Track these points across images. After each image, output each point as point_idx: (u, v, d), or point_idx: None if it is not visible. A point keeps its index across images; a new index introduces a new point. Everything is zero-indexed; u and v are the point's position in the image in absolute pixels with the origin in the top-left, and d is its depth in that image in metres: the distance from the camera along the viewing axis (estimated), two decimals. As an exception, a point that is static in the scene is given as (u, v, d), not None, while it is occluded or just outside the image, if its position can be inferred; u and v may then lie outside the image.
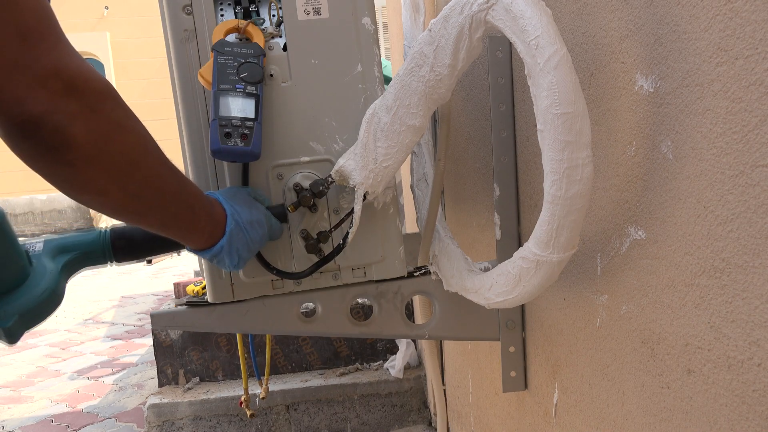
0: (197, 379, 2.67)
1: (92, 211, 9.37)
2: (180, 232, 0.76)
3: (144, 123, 0.67)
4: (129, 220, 0.72)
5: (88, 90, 0.60)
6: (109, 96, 0.62)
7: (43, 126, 0.57)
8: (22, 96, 0.56)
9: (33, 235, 10.08)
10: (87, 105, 0.59)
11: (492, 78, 1.05)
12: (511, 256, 0.78)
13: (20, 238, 0.81)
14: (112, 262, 0.90)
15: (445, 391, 2.08)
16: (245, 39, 0.90)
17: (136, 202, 0.68)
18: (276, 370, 2.68)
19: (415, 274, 1.08)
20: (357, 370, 2.67)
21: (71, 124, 0.58)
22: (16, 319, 0.75)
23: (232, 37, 0.90)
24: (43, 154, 0.59)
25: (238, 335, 1.65)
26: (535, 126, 0.68)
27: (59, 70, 0.58)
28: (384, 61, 2.52)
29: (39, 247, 0.85)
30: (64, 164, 0.60)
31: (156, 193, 0.69)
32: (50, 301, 0.80)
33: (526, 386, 1.15)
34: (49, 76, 0.57)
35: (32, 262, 0.82)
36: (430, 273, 1.09)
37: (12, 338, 0.76)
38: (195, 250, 0.80)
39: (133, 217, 0.70)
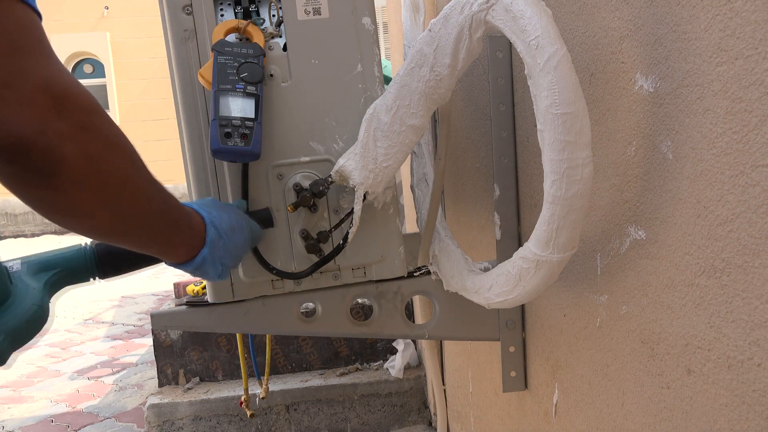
0: (197, 379, 2.67)
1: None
2: (163, 248, 0.73)
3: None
4: (113, 241, 0.69)
5: (77, 107, 0.56)
6: (98, 112, 0.59)
7: (33, 149, 0.53)
8: (8, 117, 0.52)
9: (33, 235, 10.08)
10: (77, 123, 0.56)
11: (492, 78, 1.05)
12: (511, 256, 0.78)
13: None
14: (95, 278, 0.86)
15: (445, 391, 2.08)
16: (245, 39, 0.90)
17: (123, 222, 0.65)
18: (276, 370, 2.68)
19: (415, 274, 1.08)
20: (357, 370, 2.67)
21: (62, 144, 0.54)
22: (3, 338, 0.72)
23: (232, 37, 0.90)
24: (30, 178, 0.55)
25: (238, 335, 1.65)
26: (535, 126, 0.68)
27: (48, 86, 0.54)
28: (384, 61, 2.52)
29: (17, 267, 0.81)
30: (53, 189, 0.56)
31: (142, 211, 0.66)
32: (37, 317, 0.77)
33: (526, 386, 1.15)
34: (38, 93, 0.53)
35: (12, 281, 0.78)
36: (430, 273, 1.09)
37: (0, 359, 0.72)
38: (176, 264, 0.77)
39: (119, 238, 0.68)
